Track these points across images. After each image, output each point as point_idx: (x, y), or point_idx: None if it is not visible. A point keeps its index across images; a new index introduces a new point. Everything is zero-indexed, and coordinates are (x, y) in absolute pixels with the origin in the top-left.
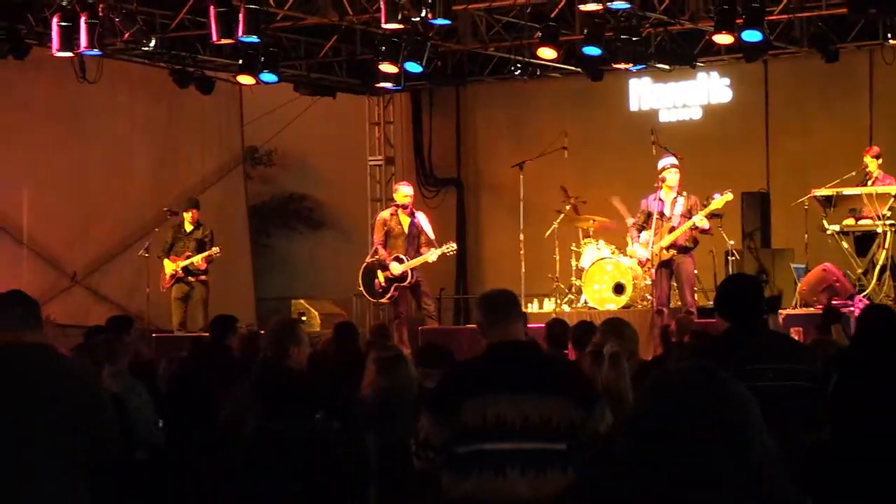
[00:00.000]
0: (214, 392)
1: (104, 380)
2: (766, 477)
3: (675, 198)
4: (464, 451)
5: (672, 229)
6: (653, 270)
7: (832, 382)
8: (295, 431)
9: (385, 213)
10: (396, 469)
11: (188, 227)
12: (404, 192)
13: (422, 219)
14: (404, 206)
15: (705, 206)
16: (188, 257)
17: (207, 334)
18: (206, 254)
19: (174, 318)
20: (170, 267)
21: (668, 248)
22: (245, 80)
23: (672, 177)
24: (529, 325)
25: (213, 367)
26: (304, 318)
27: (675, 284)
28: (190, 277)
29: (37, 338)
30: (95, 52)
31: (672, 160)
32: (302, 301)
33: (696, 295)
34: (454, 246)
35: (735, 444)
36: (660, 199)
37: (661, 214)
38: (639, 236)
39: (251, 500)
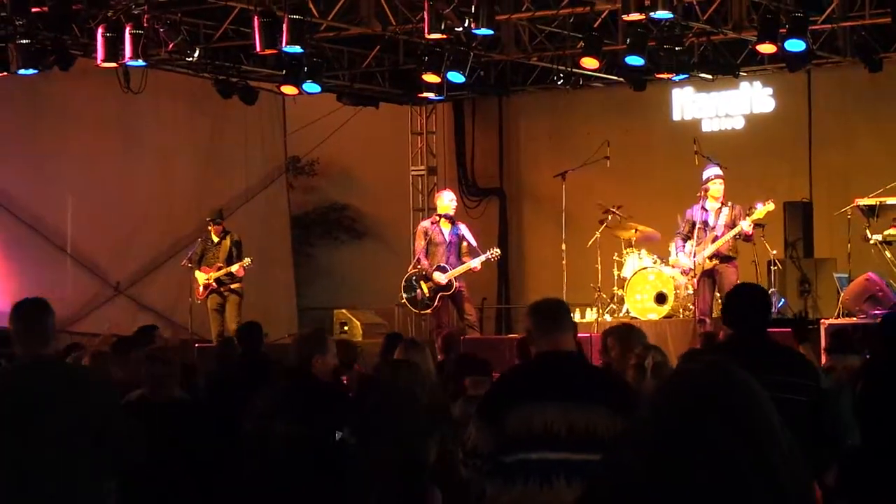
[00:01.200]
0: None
1: (174, 391)
2: (786, 473)
3: (720, 208)
4: (510, 460)
5: (715, 238)
6: (695, 280)
7: (847, 394)
8: (319, 438)
9: (426, 223)
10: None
11: (215, 239)
12: (447, 199)
13: (463, 228)
14: (446, 216)
15: (748, 216)
16: (219, 268)
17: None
18: (237, 266)
19: (213, 329)
20: (202, 278)
21: (711, 258)
22: (288, 90)
23: (716, 187)
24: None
25: (250, 376)
26: (345, 328)
27: (718, 294)
28: (222, 288)
29: (52, 350)
30: (140, 62)
31: (717, 170)
32: (344, 311)
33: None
34: (498, 251)
35: (755, 440)
36: (704, 209)
37: (705, 224)
38: (683, 246)
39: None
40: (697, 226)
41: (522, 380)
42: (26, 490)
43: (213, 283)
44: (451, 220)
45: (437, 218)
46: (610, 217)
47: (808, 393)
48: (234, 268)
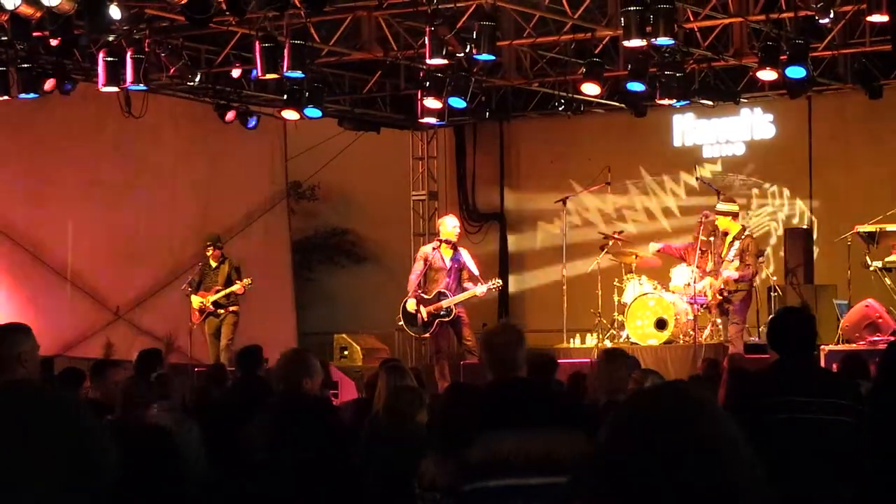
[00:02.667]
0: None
1: (153, 414)
2: (743, 494)
3: (732, 241)
4: (468, 489)
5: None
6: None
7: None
8: (330, 464)
9: (427, 248)
10: None
11: (213, 264)
12: (450, 225)
13: (464, 254)
14: (448, 241)
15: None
16: (217, 292)
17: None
18: (238, 285)
19: (210, 353)
20: (196, 302)
21: (719, 292)
22: (289, 115)
23: (721, 222)
24: (572, 361)
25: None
26: (345, 353)
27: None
28: (220, 310)
29: (25, 374)
30: (141, 87)
31: (721, 206)
32: (344, 335)
33: (744, 332)
34: (500, 282)
35: (709, 460)
36: (721, 241)
37: (718, 257)
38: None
39: None
40: (709, 255)
41: (478, 410)
42: None
43: (210, 307)
44: (454, 246)
45: (439, 243)
46: (610, 243)
47: (854, 415)
48: (236, 287)
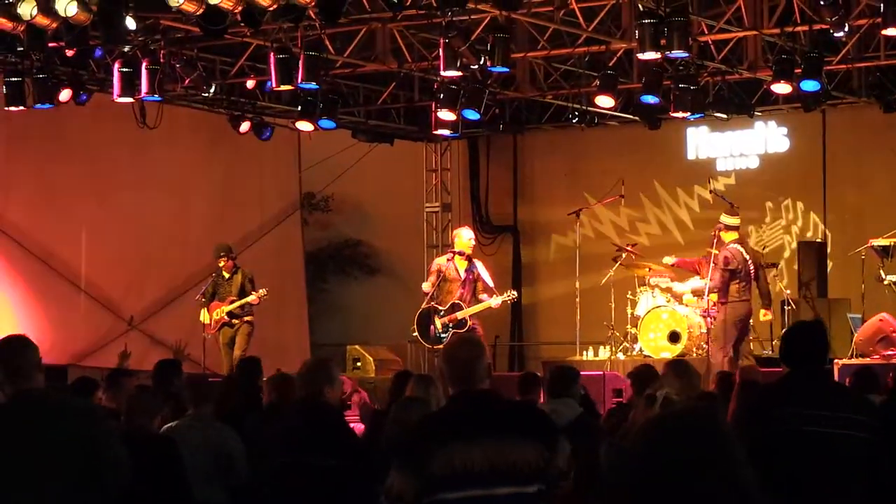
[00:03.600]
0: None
1: (156, 425)
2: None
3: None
4: (433, 501)
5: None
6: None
7: None
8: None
9: (442, 259)
10: None
11: (225, 274)
12: (466, 237)
13: (479, 266)
14: (461, 253)
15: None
16: (231, 302)
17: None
18: (254, 295)
19: (224, 363)
20: (217, 314)
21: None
22: (303, 126)
23: (726, 236)
24: (585, 373)
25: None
26: (358, 364)
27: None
28: (234, 320)
29: (38, 383)
30: (156, 97)
31: (728, 221)
32: (357, 347)
33: (746, 344)
34: (515, 294)
35: (729, 475)
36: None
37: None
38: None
39: None
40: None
41: (440, 423)
42: None
43: (226, 318)
44: (468, 258)
45: (453, 255)
46: (624, 255)
47: (868, 430)
48: (252, 297)
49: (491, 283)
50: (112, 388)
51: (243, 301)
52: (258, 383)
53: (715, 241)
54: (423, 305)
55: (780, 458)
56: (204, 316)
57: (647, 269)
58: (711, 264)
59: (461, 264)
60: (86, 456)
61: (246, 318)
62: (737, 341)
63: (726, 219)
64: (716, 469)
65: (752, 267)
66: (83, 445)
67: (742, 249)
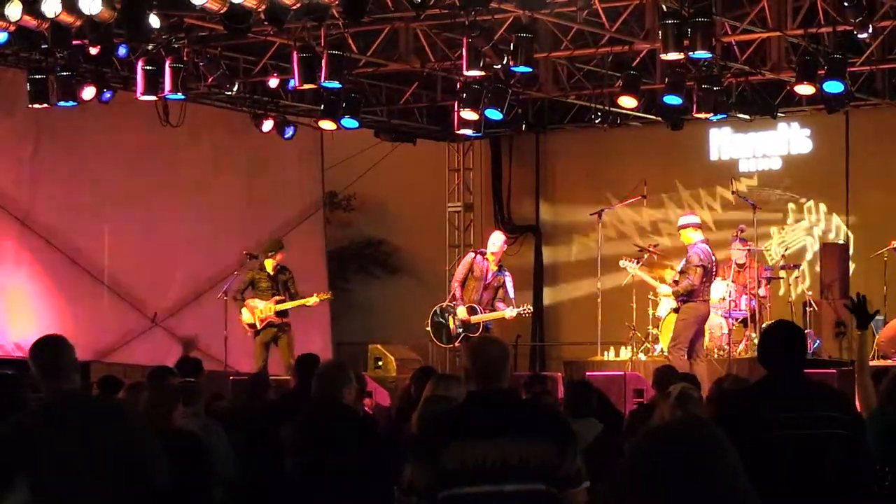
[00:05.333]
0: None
1: (178, 420)
2: None
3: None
4: (445, 496)
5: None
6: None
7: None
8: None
9: (476, 255)
10: None
11: (271, 271)
12: (499, 242)
13: (507, 276)
14: (496, 256)
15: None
16: (279, 301)
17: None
18: (315, 297)
19: (257, 362)
20: (264, 311)
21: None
22: (326, 125)
23: (682, 235)
24: (606, 374)
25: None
26: (379, 363)
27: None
28: (282, 319)
29: (75, 384)
30: (179, 96)
31: (681, 220)
32: (378, 346)
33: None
34: (530, 308)
35: (732, 482)
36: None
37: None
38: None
39: None
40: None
41: (455, 418)
42: None
43: (274, 317)
44: (499, 263)
45: (485, 255)
46: (646, 256)
47: (847, 427)
48: (313, 300)
49: (512, 296)
50: (156, 384)
51: (301, 302)
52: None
53: (733, 242)
54: (446, 302)
55: (761, 464)
56: (248, 315)
57: (670, 270)
58: (693, 266)
59: (493, 267)
60: (124, 454)
61: (285, 320)
62: (693, 341)
63: (691, 218)
64: (715, 477)
65: (715, 267)
66: (122, 444)
67: (708, 248)
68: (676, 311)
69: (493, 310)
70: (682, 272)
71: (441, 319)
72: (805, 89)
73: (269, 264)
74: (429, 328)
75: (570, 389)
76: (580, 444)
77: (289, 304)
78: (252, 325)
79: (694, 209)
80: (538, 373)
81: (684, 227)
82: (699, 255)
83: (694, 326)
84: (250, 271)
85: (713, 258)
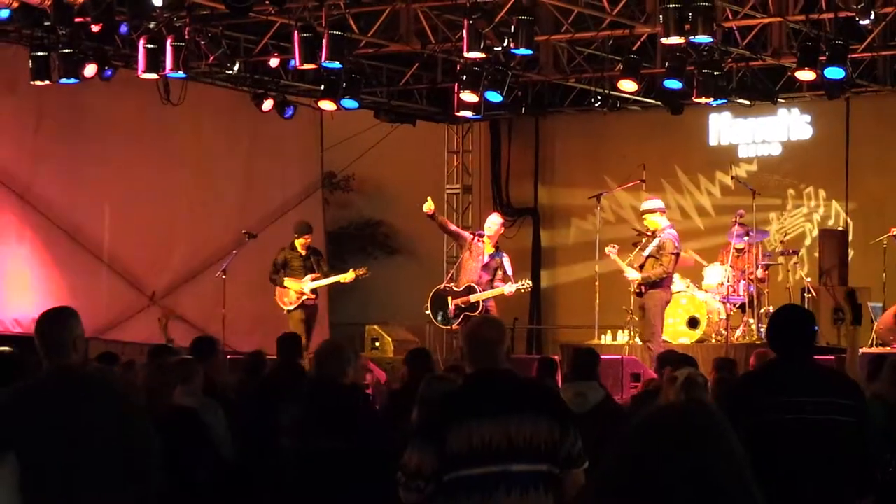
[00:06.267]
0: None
1: (177, 398)
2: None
3: (652, 237)
4: (451, 478)
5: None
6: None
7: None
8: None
9: (471, 237)
10: None
11: (302, 252)
12: (494, 223)
13: (505, 258)
14: (491, 238)
15: (676, 248)
16: (315, 279)
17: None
18: (350, 274)
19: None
20: (299, 286)
21: (637, 287)
22: (326, 105)
23: (647, 221)
24: (604, 357)
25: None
26: (376, 344)
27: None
28: (313, 298)
29: (78, 359)
30: (180, 74)
31: (645, 204)
32: (376, 327)
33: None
34: (529, 283)
35: (732, 466)
36: (648, 239)
37: (640, 254)
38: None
39: None
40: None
41: (458, 400)
42: (58, 497)
43: (310, 294)
44: (496, 245)
45: (484, 237)
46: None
47: (854, 414)
48: (349, 275)
49: (510, 274)
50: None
51: (337, 278)
52: (299, 361)
53: (735, 227)
54: (440, 286)
55: (766, 448)
56: (285, 294)
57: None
58: (668, 253)
59: (489, 249)
60: (117, 430)
61: (317, 302)
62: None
63: (657, 203)
64: (715, 461)
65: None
66: (114, 420)
67: (677, 234)
68: (639, 295)
69: (493, 289)
70: (652, 257)
71: (440, 300)
72: (806, 75)
73: (300, 244)
74: (428, 310)
75: (577, 354)
76: (584, 406)
77: (326, 281)
78: (290, 303)
79: (693, 194)
80: (549, 357)
81: (651, 211)
82: (674, 243)
83: (662, 313)
84: (281, 252)
85: (678, 243)
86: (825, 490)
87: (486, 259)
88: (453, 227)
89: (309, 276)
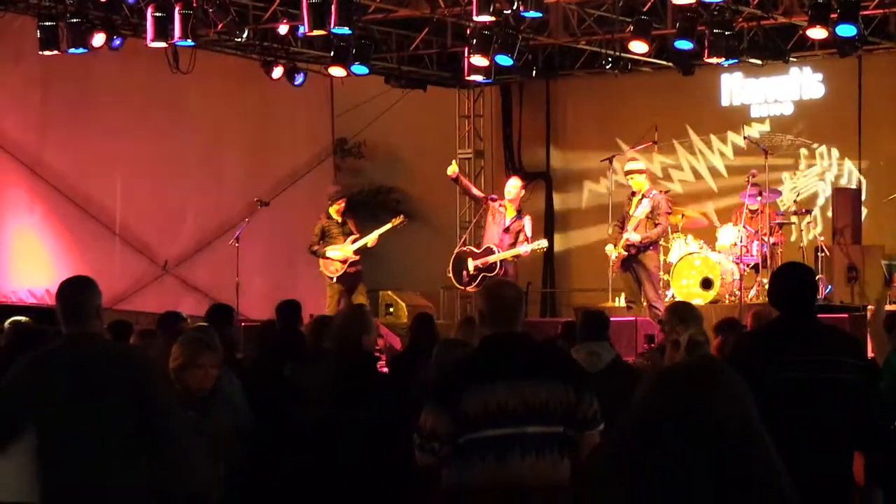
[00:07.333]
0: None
1: None
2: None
3: (641, 199)
4: (465, 440)
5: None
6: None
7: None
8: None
9: (493, 201)
10: None
11: (338, 218)
12: (513, 186)
13: (527, 221)
14: (512, 202)
15: (670, 208)
16: (355, 240)
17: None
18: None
19: (330, 309)
20: (340, 255)
21: (626, 248)
22: (336, 72)
23: (632, 182)
24: (616, 319)
25: (289, 354)
26: (390, 310)
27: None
28: (357, 264)
29: (97, 328)
30: (189, 42)
31: (631, 165)
32: (389, 293)
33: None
34: (545, 243)
35: (749, 422)
36: (629, 200)
37: (628, 215)
38: (621, 234)
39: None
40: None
41: (474, 363)
42: (75, 464)
43: (353, 256)
44: (518, 209)
45: (504, 202)
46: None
47: (857, 372)
48: (387, 227)
49: (530, 235)
50: (166, 330)
51: (377, 232)
52: (298, 328)
53: (749, 188)
54: (460, 248)
55: (769, 407)
56: (329, 263)
57: (681, 216)
58: (663, 213)
59: (510, 213)
60: (138, 397)
61: (360, 269)
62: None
63: (640, 164)
64: (728, 415)
65: None
66: (132, 388)
67: None
68: (632, 259)
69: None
70: (646, 218)
71: (461, 262)
72: (817, 33)
73: (335, 211)
74: (451, 273)
75: (588, 316)
76: (598, 365)
77: (366, 238)
78: (336, 272)
79: (706, 155)
80: (574, 320)
81: (639, 171)
82: (667, 202)
83: (658, 273)
84: (318, 223)
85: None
86: (828, 449)
87: (508, 222)
88: (476, 190)
89: (349, 240)
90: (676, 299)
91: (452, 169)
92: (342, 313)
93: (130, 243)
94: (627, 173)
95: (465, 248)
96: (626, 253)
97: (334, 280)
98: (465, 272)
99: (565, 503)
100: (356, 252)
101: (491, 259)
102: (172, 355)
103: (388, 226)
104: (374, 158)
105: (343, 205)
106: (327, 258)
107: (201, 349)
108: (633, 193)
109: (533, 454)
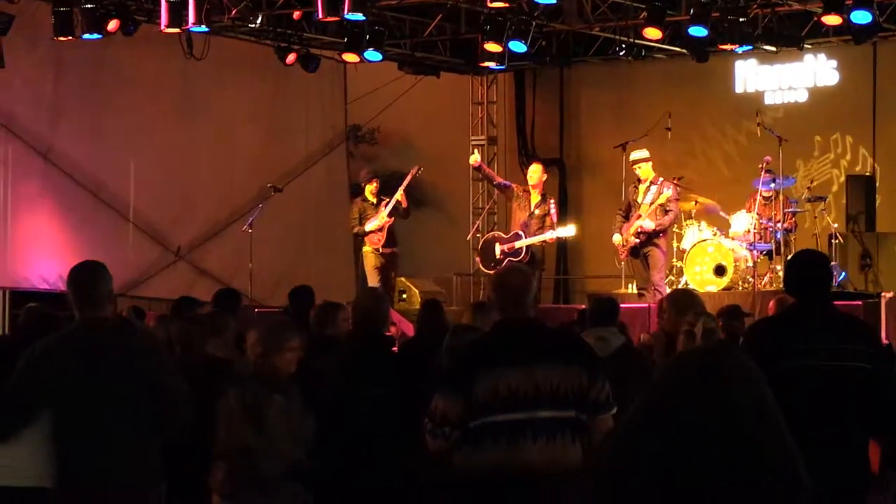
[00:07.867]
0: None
1: (210, 350)
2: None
3: (648, 187)
4: (476, 424)
5: (639, 217)
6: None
7: None
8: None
9: (514, 188)
10: None
11: (373, 199)
12: (536, 172)
13: (552, 205)
14: (536, 187)
15: (678, 195)
16: (387, 205)
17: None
18: (413, 170)
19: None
20: (374, 225)
21: (636, 235)
22: (350, 58)
23: (640, 171)
24: (628, 306)
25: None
26: (403, 296)
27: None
28: (389, 220)
29: (109, 312)
30: (203, 28)
31: (638, 154)
32: (402, 279)
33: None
34: (573, 230)
35: (764, 407)
36: (634, 188)
37: (635, 203)
38: (624, 223)
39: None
40: (633, 205)
41: (486, 348)
42: (89, 446)
43: (389, 219)
44: (543, 194)
45: (529, 188)
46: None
47: (870, 360)
48: (409, 177)
49: (555, 221)
50: (180, 315)
51: (402, 187)
52: (309, 312)
53: (763, 175)
54: (488, 234)
55: (782, 395)
56: (374, 236)
57: (694, 203)
58: (673, 200)
59: (535, 198)
60: (148, 380)
61: (395, 250)
62: None
63: (646, 153)
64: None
65: None
66: (146, 371)
67: None
68: (643, 246)
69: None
70: (659, 205)
71: (489, 248)
72: (832, 20)
73: (370, 191)
74: (478, 258)
75: (597, 302)
76: (607, 349)
77: (393, 199)
78: (378, 241)
79: (720, 142)
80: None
81: (646, 160)
82: (674, 190)
83: (668, 259)
84: (354, 206)
85: None
86: (842, 436)
87: (533, 207)
88: (499, 179)
89: (380, 207)
90: (690, 286)
91: (475, 158)
92: (360, 295)
93: (143, 230)
94: (634, 163)
95: (493, 234)
96: (636, 241)
97: (379, 250)
98: (492, 255)
99: (576, 487)
100: (391, 230)
101: (517, 244)
102: (250, 341)
103: (408, 177)
104: (387, 145)
105: (377, 184)
106: (368, 233)
107: (286, 332)
108: (640, 182)
109: (544, 438)
